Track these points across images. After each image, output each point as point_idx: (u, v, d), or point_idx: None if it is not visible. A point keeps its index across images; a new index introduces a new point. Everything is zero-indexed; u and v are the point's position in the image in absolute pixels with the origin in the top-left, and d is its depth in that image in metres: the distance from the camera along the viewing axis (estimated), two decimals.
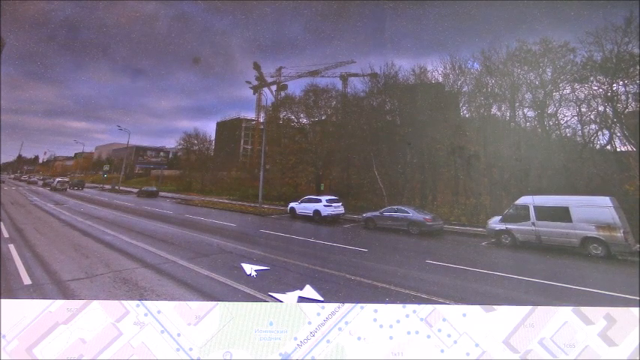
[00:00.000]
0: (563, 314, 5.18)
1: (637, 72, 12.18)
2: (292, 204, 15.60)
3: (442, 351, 5.08)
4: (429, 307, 5.29)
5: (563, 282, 7.49)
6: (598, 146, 13.20)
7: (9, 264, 7.93)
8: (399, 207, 13.27)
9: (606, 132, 12.97)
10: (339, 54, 15.23)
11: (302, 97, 18.93)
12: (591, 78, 12.96)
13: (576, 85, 13.23)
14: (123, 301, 5.31)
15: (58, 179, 21.50)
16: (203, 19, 14.15)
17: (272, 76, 19.34)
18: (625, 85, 12.47)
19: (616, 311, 5.16)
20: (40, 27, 12.44)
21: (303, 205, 15.17)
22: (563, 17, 11.80)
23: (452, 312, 5.24)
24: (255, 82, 18.97)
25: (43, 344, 5.05)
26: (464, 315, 5.21)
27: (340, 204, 14.86)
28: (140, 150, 23.11)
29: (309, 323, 5.23)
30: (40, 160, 24.71)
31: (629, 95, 12.44)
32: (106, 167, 23.29)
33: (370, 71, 17.00)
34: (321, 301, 5.68)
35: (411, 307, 5.28)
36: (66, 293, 6.56)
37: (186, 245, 10.18)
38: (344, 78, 18.53)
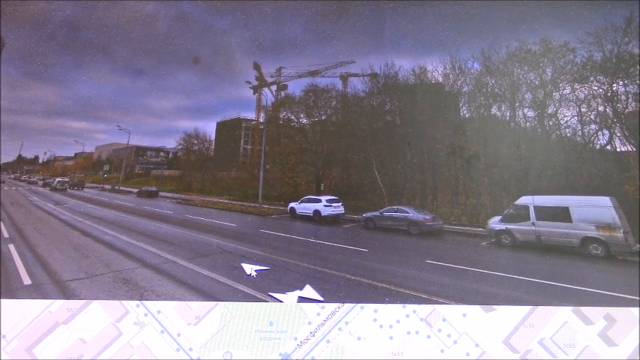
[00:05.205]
0: (563, 314, 5.17)
1: (637, 72, 12.18)
2: (292, 204, 15.60)
3: (442, 351, 5.08)
4: (429, 307, 5.28)
5: (563, 282, 7.48)
6: (598, 146, 13.20)
7: (9, 264, 7.93)
8: (399, 207, 13.26)
9: (606, 132, 12.98)
10: (339, 54, 15.25)
11: (302, 97, 18.96)
12: (591, 78, 12.96)
13: (576, 85, 13.24)
14: (123, 301, 5.31)
15: (58, 179, 21.50)
16: (203, 19, 14.16)
17: (272, 76, 19.36)
18: (625, 85, 12.48)
19: (616, 311, 5.15)
20: (40, 27, 12.44)
21: (303, 205, 15.16)
22: (563, 17, 11.81)
23: (452, 312, 5.23)
24: (255, 82, 18.99)
25: (43, 344, 5.05)
26: (464, 315, 5.21)
27: (340, 204, 14.85)
28: (140, 150, 23.10)
29: (309, 323, 5.23)
30: (40, 160, 24.73)
31: (629, 95, 12.44)
32: (106, 167, 23.31)
33: (370, 71, 17.03)
34: (321, 301, 5.67)
35: (411, 307, 5.27)
36: (66, 293, 6.56)
37: (186, 245, 10.18)
38: (344, 78, 18.54)
